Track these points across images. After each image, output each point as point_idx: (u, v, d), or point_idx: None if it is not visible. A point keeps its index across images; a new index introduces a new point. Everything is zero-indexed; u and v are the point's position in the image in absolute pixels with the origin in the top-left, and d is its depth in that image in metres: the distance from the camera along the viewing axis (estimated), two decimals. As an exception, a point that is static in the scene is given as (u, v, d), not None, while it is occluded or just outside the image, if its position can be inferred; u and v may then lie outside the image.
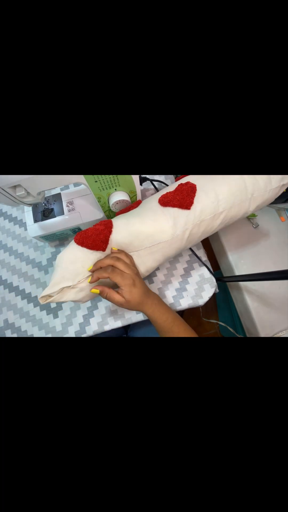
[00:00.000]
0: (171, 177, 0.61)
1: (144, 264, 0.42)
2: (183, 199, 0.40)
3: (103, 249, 0.39)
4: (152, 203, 0.43)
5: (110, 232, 0.39)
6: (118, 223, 0.40)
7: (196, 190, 0.41)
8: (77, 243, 0.39)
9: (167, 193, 0.42)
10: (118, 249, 0.40)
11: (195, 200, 0.41)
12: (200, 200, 0.41)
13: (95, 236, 0.38)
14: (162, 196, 0.42)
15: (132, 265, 0.39)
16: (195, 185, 0.42)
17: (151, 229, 0.40)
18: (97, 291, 0.38)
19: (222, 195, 0.42)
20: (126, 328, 0.62)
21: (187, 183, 0.42)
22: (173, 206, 0.41)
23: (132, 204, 0.46)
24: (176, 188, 0.42)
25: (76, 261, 0.38)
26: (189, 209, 0.40)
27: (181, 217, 0.40)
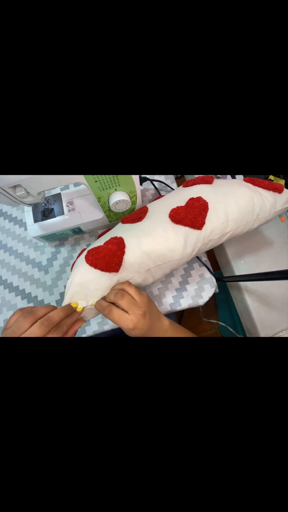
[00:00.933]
0: (171, 177, 0.61)
1: (153, 277, 0.42)
2: (195, 218, 0.40)
3: (117, 271, 0.38)
4: (162, 217, 0.42)
5: (123, 253, 0.38)
6: (130, 242, 0.39)
7: (208, 209, 0.41)
8: (89, 264, 0.37)
9: (178, 208, 0.41)
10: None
11: (207, 220, 0.41)
12: (212, 221, 0.41)
13: (108, 258, 0.37)
14: (173, 211, 0.41)
15: (138, 295, 0.36)
16: (207, 203, 0.41)
17: (162, 248, 0.39)
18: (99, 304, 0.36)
19: (232, 215, 0.42)
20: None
21: (199, 199, 0.42)
22: (185, 225, 0.40)
23: (139, 213, 0.44)
24: (187, 203, 0.42)
25: (89, 283, 0.37)
26: (200, 229, 0.40)
27: (192, 236, 0.40)
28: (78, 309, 0.36)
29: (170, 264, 0.41)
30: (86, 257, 0.38)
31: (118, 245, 0.38)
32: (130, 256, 0.38)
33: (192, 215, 0.40)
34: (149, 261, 0.39)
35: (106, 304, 0.35)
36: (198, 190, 0.44)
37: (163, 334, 0.37)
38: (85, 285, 0.37)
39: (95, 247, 0.39)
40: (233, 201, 0.42)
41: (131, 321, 0.33)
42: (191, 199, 0.42)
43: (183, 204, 0.42)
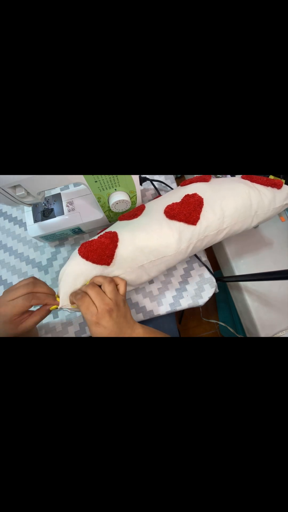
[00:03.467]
0: (171, 177, 0.61)
1: (148, 275, 0.42)
2: (189, 214, 0.40)
3: (108, 264, 0.38)
4: (157, 213, 0.42)
5: (115, 246, 0.38)
6: (124, 236, 0.39)
7: (203, 204, 0.41)
8: (81, 256, 0.38)
9: (173, 204, 0.42)
10: (104, 276, 0.37)
11: (202, 216, 0.40)
12: (207, 216, 0.41)
13: (100, 251, 0.37)
14: (168, 207, 0.41)
15: (113, 294, 0.35)
16: (202, 199, 0.41)
17: (156, 243, 0.39)
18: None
19: (228, 211, 0.42)
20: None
21: (194, 195, 0.42)
22: (179, 220, 0.40)
23: (136, 212, 0.44)
24: (183, 199, 0.42)
25: (80, 275, 0.37)
26: (195, 224, 0.40)
27: (186, 232, 0.40)
28: (51, 308, 0.37)
29: (164, 261, 0.41)
30: (79, 250, 0.39)
31: (111, 239, 0.39)
32: (123, 250, 0.39)
33: (186, 210, 0.40)
34: (142, 256, 0.39)
35: (81, 291, 0.35)
36: (194, 188, 0.44)
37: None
38: (77, 277, 0.37)
39: (89, 241, 0.39)
40: (229, 197, 0.42)
41: (95, 314, 0.33)
42: (187, 196, 0.42)
43: (178, 200, 0.42)
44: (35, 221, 0.49)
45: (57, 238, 0.54)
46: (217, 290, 0.52)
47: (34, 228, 0.49)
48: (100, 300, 0.33)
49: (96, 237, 0.40)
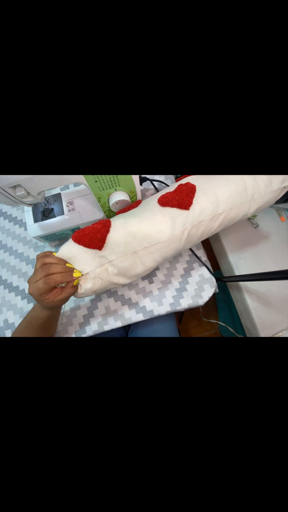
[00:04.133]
0: (171, 177, 0.61)
1: (143, 264, 0.42)
2: (182, 199, 0.40)
3: (99, 248, 0.39)
4: (151, 203, 0.43)
5: (107, 231, 0.39)
6: (117, 222, 0.40)
7: (195, 190, 0.41)
8: (74, 241, 0.39)
9: (166, 193, 0.42)
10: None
11: (194, 200, 0.41)
12: (200, 201, 0.41)
13: (92, 235, 0.38)
14: (161, 196, 0.42)
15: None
16: (194, 186, 0.42)
17: (149, 229, 0.40)
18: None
19: (222, 196, 0.42)
20: (126, 328, 0.62)
21: (187, 183, 0.42)
22: (172, 206, 0.40)
23: (132, 204, 0.46)
24: (176, 188, 0.42)
25: (71, 258, 0.39)
26: (187, 209, 0.40)
27: (179, 217, 0.40)
28: (75, 275, 0.38)
29: (158, 248, 0.41)
30: (73, 235, 0.39)
31: (104, 224, 0.39)
32: (115, 234, 0.39)
33: (179, 196, 0.40)
34: (135, 242, 0.39)
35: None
36: (187, 179, 0.44)
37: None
38: (68, 260, 0.38)
39: (83, 228, 0.40)
40: (222, 184, 0.42)
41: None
42: (180, 185, 0.43)
43: (172, 190, 0.43)
44: (35, 221, 0.49)
45: (57, 238, 0.54)
46: (217, 290, 0.52)
47: (34, 228, 0.49)
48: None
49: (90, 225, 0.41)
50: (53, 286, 0.35)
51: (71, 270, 0.38)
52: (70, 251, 0.39)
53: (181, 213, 0.40)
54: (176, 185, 0.43)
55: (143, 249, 0.40)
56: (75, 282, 0.38)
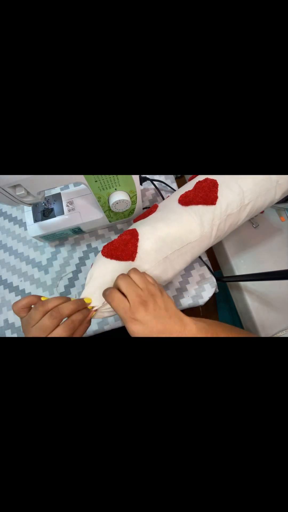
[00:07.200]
0: (171, 177, 0.61)
1: (173, 268, 0.39)
2: (206, 195, 0.39)
3: (133, 259, 0.37)
4: (172, 205, 0.41)
5: (137, 240, 0.38)
6: (143, 230, 0.38)
7: (218, 184, 0.40)
8: (105, 256, 0.37)
9: (186, 192, 0.41)
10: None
11: (219, 194, 0.39)
12: (224, 195, 0.39)
13: (123, 247, 0.37)
14: (181, 196, 0.41)
15: (143, 282, 0.30)
16: (215, 180, 0.40)
17: (178, 230, 0.38)
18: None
19: (247, 186, 0.40)
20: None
21: (206, 179, 0.41)
22: (197, 203, 0.39)
23: (149, 210, 0.44)
24: (195, 186, 0.41)
25: (107, 274, 0.35)
26: (214, 204, 0.39)
27: (207, 213, 0.39)
28: (89, 307, 0.33)
29: (189, 248, 0.39)
30: (102, 251, 0.38)
31: (132, 234, 0.38)
32: (145, 242, 0.37)
33: (202, 193, 0.39)
34: (166, 246, 0.37)
35: (111, 287, 0.31)
36: (204, 175, 0.43)
37: (190, 331, 0.29)
38: (103, 277, 0.35)
39: (110, 242, 0.38)
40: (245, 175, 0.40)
41: (128, 309, 0.28)
42: (198, 182, 0.41)
43: (191, 188, 0.41)
44: (35, 221, 0.49)
45: (57, 238, 0.54)
46: (217, 290, 0.52)
47: (34, 228, 0.49)
48: (131, 291, 0.28)
49: (116, 238, 0.39)
50: (60, 319, 0.29)
51: (82, 301, 0.32)
52: (105, 267, 0.35)
53: (207, 209, 0.39)
54: (193, 183, 0.42)
55: (173, 253, 0.38)
56: (92, 315, 0.32)
